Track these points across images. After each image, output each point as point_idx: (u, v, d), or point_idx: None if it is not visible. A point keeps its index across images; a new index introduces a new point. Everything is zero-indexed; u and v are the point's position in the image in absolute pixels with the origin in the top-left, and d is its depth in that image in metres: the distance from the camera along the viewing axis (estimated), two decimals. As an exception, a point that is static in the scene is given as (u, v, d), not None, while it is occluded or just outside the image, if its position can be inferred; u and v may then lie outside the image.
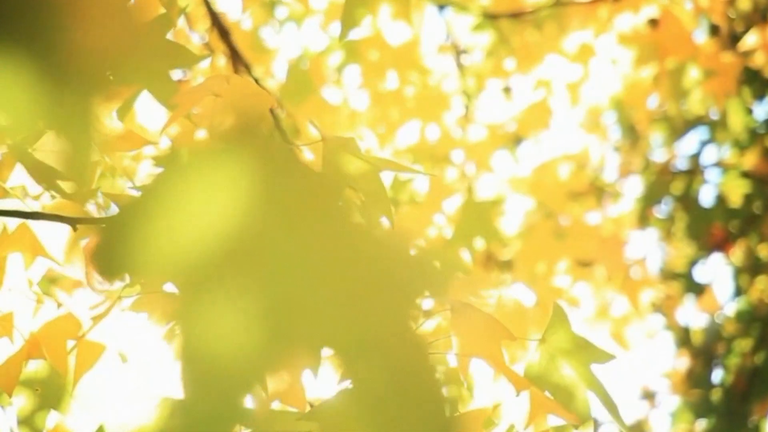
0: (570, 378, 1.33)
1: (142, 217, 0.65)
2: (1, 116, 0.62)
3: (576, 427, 1.35)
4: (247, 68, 2.64)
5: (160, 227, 0.65)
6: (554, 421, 1.35)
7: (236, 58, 2.68)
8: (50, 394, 1.29)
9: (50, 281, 2.30)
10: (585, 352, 1.34)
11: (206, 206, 0.64)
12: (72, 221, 1.27)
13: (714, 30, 3.80)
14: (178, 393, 1.32)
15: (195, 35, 2.73)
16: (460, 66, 3.66)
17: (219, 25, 2.64)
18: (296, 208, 0.63)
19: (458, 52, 3.68)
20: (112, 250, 0.63)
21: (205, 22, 2.72)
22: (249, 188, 0.63)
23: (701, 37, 3.71)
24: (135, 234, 0.66)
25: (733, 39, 3.75)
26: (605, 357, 1.35)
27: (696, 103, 3.69)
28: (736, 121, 4.39)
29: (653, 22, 3.43)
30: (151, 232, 0.65)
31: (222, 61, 2.78)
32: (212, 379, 0.63)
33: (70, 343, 1.29)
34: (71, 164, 0.63)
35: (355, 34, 3.02)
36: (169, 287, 1.37)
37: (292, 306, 0.63)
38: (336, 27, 3.47)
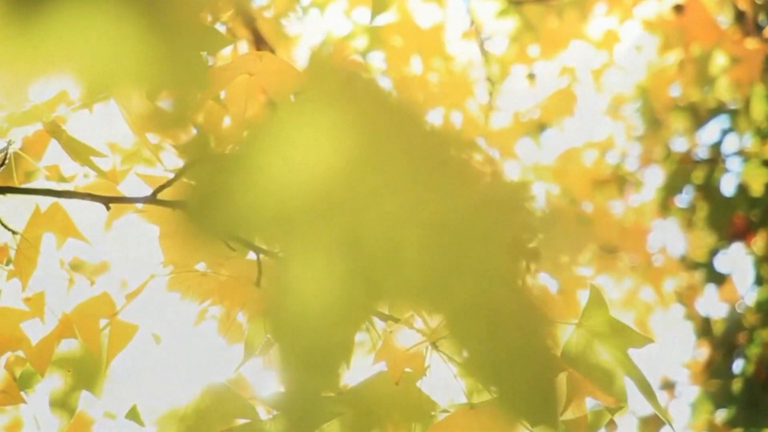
0: (607, 361, 1.32)
1: (241, 170, 0.64)
2: (120, 73, 0.62)
3: (612, 412, 1.34)
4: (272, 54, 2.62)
5: (261, 178, 0.64)
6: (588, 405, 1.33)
7: (260, 44, 2.66)
8: (83, 374, 1.28)
9: (75, 267, 2.29)
10: (622, 335, 1.32)
11: (307, 156, 0.63)
12: (105, 200, 1.26)
13: (739, 16, 3.77)
14: (213, 374, 1.31)
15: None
16: (484, 52, 3.65)
17: (244, 11, 2.62)
18: (398, 155, 0.62)
19: (482, 38, 3.67)
20: (209, 205, 0.62)
21: (228, 8, 2.70)
22: (350, 137, 0.62)
23: (726, 23, 3.69)
24: (234, 187, 0.65)
25: (758, 26, 3.73)
26: (642, 341, 1.33)
27: (721, 90, 3.66)
28: (759, 109, 4.36)
29: (678, 8, 3.41)
30: (252, 184, 0.64)
31: (244, 47, 2.77)
32: (310, 343, 0.62)
33: (103, 323, 1.28)
34: (181, 113, 0.62)
35: (379, 20, 3.01)
36: (201, 266, 1.36)
37: (393, 260, 0.62)
38: (359, 12, 3.46)
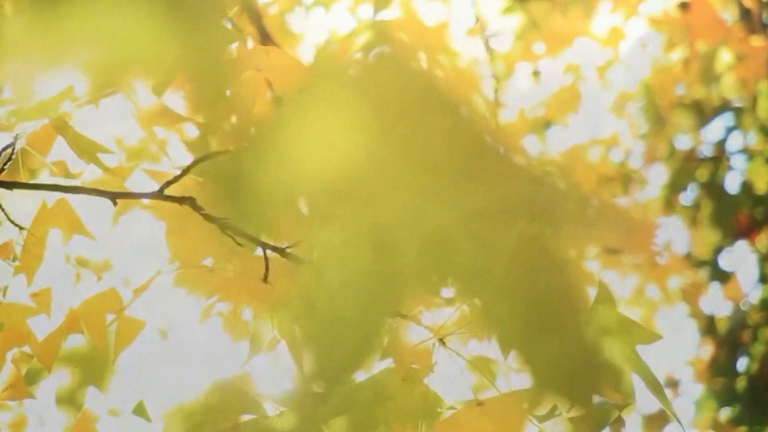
0: (615, 358, 1.32)
1: (270, 148, 0.63)
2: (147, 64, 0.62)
3: (620, 409, 1.33)
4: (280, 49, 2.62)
5: (279, 172, 0.64)
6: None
7: (266, 41, 2.66)
8: (90, 370, 1.28)
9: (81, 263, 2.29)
10: (630, 332, 1.32)
11: (336, 134, 0.62)
12: (112, 195, 1.26)
13: (745, 14, 3.77)
14: (220, 370, 1.31)
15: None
16: (489, 49, 3.65)
17: (250, 8, 2.62)
18: (433, 144, 0.62)
19: (487, 35, 3.66)
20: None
21: (234, 4, 2.70)
22: (380, 125, 0.62)
23: (731, 20, 3.69)
24: (253, 181, 0.64)
25: (764, 23, 3.72)
26: (650, 337, 1.33)
27: (726, 88, 3.66)
28: (764, 107, 4.36)
29: (684, 6, 3.41)
30: (285, 160, 0.64)
31: (249, 45, 2.77)
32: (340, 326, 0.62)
33: (110, 319, 1.28)
34: (206, 100, 0.62)
35: (384, 16, 3.00)
36: (207, 262, 1.36)
37: (420, 239, 0.61)
38: (364, 10, 3.46)
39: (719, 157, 4.52)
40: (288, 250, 1.23)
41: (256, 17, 2.61)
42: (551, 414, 1.33)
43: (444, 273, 0.62)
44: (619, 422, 1.34)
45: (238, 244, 1.26)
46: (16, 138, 1.30)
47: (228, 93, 1.36)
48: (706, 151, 4.54)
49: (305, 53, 3.57)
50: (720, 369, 4.58)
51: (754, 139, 4.47)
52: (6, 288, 1.31)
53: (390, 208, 0.62)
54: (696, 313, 4.61)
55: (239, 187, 0.68)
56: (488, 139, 0.67)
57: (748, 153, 4.50)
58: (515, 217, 0.63)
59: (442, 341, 1.28)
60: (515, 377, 1.40)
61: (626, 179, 4.24)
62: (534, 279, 0.62)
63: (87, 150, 1.27)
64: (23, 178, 1.34)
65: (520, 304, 0.62)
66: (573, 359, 0.61)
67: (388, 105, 0.64)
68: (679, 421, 1.40)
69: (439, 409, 1.30)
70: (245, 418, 1.26)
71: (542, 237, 0.63)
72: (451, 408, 1.30)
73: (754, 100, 4.26)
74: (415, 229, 0.62)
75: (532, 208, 0.64)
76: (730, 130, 4.50)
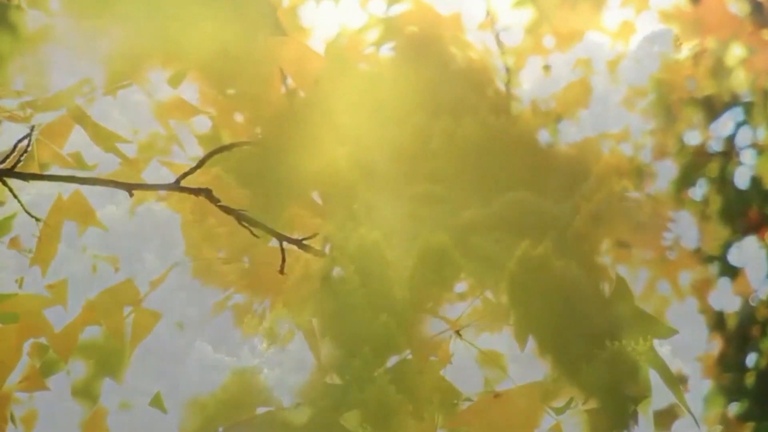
0: (631, 352, 1.32)
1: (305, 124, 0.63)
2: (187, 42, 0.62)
3: (636, 402, 1.33)
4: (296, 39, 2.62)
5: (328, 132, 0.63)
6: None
7: (280, 35, 2.66)
8: (105, 361, 1.28)
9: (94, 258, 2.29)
10: (647, 326, 1.32)
11: (376, 114, 0.62)
12: (128, 187, 1.25)
13: (756, 7, 3.76)
14: (240, 361, 1.30)
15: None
16: (499, 43, 3.64)
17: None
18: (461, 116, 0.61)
19: (497, 29, 3.66)
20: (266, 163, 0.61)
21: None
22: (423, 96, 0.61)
23: (743, 14, 3.68)
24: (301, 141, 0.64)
25: (775, 18, 3.71)
26: (667, 332, 1.33)
27: (737, 82, 3.65)
28: (774, 102, 4.35)
29: None
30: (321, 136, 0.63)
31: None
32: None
33: (127, 311, 1.28)
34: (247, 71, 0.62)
35: (394, 10, 3.00)
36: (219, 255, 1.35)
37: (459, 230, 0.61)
38: (375, 4, 3.45)
39: (729, 153, 4.51)
40: (304, 242, 1.23)
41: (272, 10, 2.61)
42: (567, 406, 1.33)
43: (438, 296, 0.61)
44: (632, 417, 1.34)
45: (255, 235, 1.25)
46: (32, 129, 1.30)
47: (245, 84, 1.36)
48: (716, 146, 4.53)
49: (315, 48, 3.56)
50: (728, 364, 4.57)
51: (763, 134, 4.46)
52: (22, 279, 1.31)
53: (381, 221, 0.62)
54: (705, 309, 4.60)
55: (255, 179, 0.67)
56: (493, 140, 0.66)
57: (758, 148, 4.49)
58: (520, 234, 0.62)
59: (458, 333, 1.28)
60: (530, 369, 1.39)
61: (637, 173, 4.23)
62: (539, 302, 0.62)
63: (106, 140, 1.27)
64: (35, 171, 1.34)
65: (527, 317, 0.61)
66: (597, 354, 0.61)
67: (398, 105, 0.63)
68: (693, 416, 1.40)
69: (455, 401, 1.30)
70: (261, 410, 1.26)
71: (548, 257, 0.62)
72: (467, 400, 1.30)
73: (764, 94, 4.24)
74: (409, 244, 0.61)
75: (539, 224, 0.63)
76: (739, 125, 4.49)
